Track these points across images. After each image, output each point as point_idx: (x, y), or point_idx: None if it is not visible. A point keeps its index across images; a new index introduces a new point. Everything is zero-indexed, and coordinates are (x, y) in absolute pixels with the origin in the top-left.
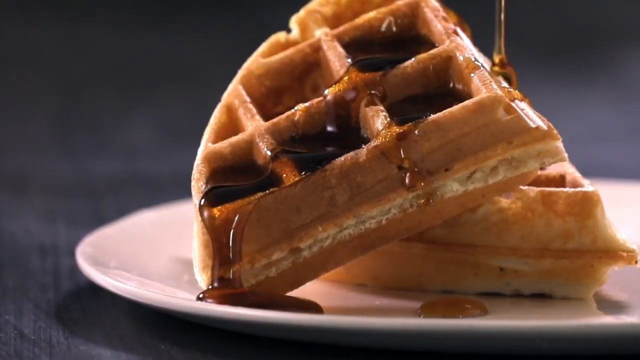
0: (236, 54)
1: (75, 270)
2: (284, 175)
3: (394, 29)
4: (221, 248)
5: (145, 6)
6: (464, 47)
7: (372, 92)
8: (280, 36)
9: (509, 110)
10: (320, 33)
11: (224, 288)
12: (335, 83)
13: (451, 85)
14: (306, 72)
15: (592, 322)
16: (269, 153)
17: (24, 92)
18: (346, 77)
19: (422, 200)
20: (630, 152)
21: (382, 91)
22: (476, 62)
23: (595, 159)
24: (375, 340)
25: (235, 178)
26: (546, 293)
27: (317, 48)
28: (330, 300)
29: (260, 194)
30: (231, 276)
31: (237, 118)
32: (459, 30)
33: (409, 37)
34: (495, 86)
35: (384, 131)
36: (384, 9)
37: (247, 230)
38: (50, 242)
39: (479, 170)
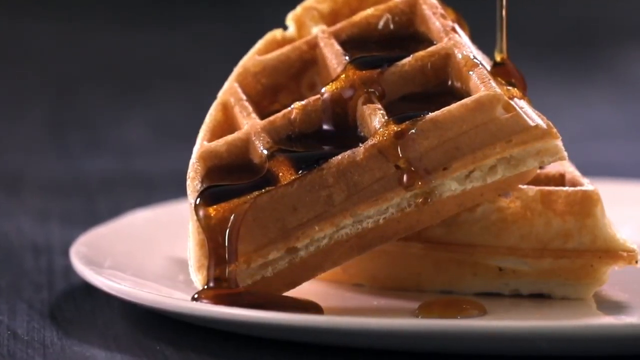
0: (232, 52)
1: (69, 270)
2: (281, 174)
3: (392, 26)
4: (217, 248)
5: (140, 3)
6: (463, 44)
7: (370, 90)
8: (276, 33)
9: (508, 108)
10: (317, 30)
11: (220, 288)
12: (332, 81)
13: (449, 83)
14: (303, 69)
15: (592, 322)
16: (265, 152)
17: (18, 90)
18: (343, 75)
19: (420, 200)
20: (631, 151)
21: (380, 89)
22: (475, 60)
23: (595, 157)
24: (373, 340)
25: (231, 177)
26: (545, 293)
27: (313, 45)
28: (327, 300)
29: (257, 193)
30: (227, 276)
31: (233, 116)
32: (457, 27)
33: (407, 34)
34: (494, 84)
35: (381, 129)
36: (381, 6)
37: (243, 230)
38: (44, 241)
39: (477, 169)
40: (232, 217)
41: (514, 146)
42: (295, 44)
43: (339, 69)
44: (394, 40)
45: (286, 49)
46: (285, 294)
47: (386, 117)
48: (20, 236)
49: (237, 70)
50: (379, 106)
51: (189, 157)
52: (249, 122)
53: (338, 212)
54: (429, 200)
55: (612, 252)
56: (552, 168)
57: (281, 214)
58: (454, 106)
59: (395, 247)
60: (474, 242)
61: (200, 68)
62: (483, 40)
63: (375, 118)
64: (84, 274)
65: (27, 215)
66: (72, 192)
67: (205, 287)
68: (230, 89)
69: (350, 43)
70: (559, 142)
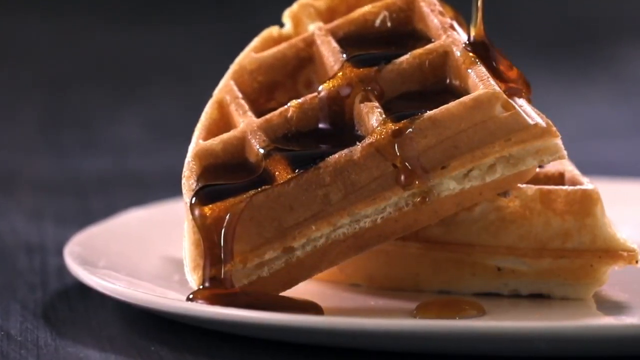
0: (228, 49)
1: (63, 270)
2: (277, 173)
3: (389, 23)
4: (212, 247)
5: (136, 2)
6: (461, 42)
7: (367, 88)
8: (273, 30)
9: (507, 106)
10: (314, 27)
11: (215, 288)
12: (329, 79)
13: (448, 81)
14: (299, 67)
15: (592, 323)
16: (261, 150)
17: (11, 88)
18: (340, 73)
19: (418, 199)
20: (631, 149)
21: (378, 87)
22: (473, 58)
23: (595, 156)
24: (370, 341)
25: (226, 176)
26: (544, 293)
27: (310, 43)
28: (324, 300)
29: (253, 192)
30: (222, 276)
31: (228, 114)
32: (455, 24)
33: (405, 31)
34: (492, 82)
35: (379, 128)
36: (379, 3)
37: (238, 229)
38: (38, 241)
39: (476, 168)
40: (227, 217)
41: (513, 145)
42: (292, 41)
43: (336, 67)
44: (391, 37)
45: (282, 46)
46: (282, 294)
47: (384, 116)
48: (14, 236)
49: (233, 67)
50: (377, 104)
51: (185, 156)
52: (245, 121)
53: (335, 211)
54: (427, 199)
55: (612, 251)
56: (552, 167)
57: (277, 214)
58: (452, 104)
59: (393, 247)
60: (473, 241)
61: (196, 66)
62: None
63: (372, 116)
64: (78, 274)
65: (21, 215)
66: (66, 191)
67: (201, 287)
68: (226, 87)
69: (348, 40)
70: (559, 141)
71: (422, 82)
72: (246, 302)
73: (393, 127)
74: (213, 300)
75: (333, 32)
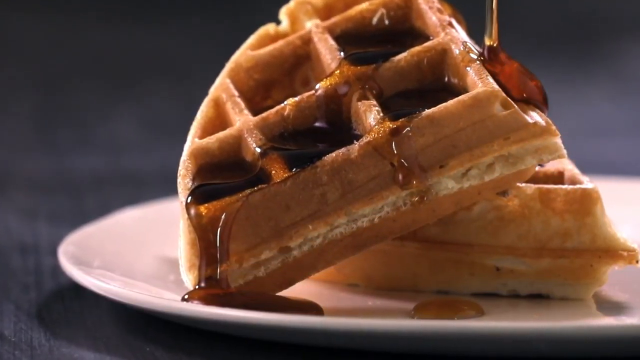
0: (224, 47)
1: (57, 270)
2: (273, 172)
3: (387, 21)
4: (208, 247)
5: None
6: (460, 39)
7: (365, 86)
8: (269, 28)
9: (506, 105)
10: (311, 25)
11: (211, 288)
12: (326, 77)
13: (446, 79)
14: (296, 65)
15: (592, 323)
16: (257, 149)
17: (4, 87)
18: (338, 71)
19: (416, 198)
20: (631, 148)
21: (375, 85)
22: (472, 55)
23: (595, 155)
24: (367, 342)
25: (222, 174)
26: (544, 294)
27: (307, 40)
28: (321, 301)
29: (249, 191)
30: (218, 276)
31: (224, 112)
32: (454, 22)
33: (403, 29)
34: (491, 80)
35: (376, 127)
36: (376, 1)
37: (235, 229)
38: (32, 241)
39: (474, 167)
40: (223, 216)
41: (512, 144)
42: (289, 38)
43: (333, 65)
44: (389, 35)
45: (279, 44)
46: (279, 294)
47: (381, 114)
48: (7, 235)
49: (229, 65)
50: (374, 103)
51: (180, 155)
52: (241, 119)
53: (332, 210)
54: (425, 198)
55: (612, 251)
56: (551, 166)
57: (274, 213)
58: (450, 103)
59: (390, 247)
60: (471, 241)
61: (192, 63)
62: (480, 35)
63: (370, 115)
64: (73, 274)
65: (14, 214)
66: (60, 190)
67: (197, 287)
68: (222, 85)
69: (345, 38)
70: (558, 140)
71: (420, 80)
72: (242, 303)
73: (391, 125)
74: (209, 300)
75: (330, 30)
